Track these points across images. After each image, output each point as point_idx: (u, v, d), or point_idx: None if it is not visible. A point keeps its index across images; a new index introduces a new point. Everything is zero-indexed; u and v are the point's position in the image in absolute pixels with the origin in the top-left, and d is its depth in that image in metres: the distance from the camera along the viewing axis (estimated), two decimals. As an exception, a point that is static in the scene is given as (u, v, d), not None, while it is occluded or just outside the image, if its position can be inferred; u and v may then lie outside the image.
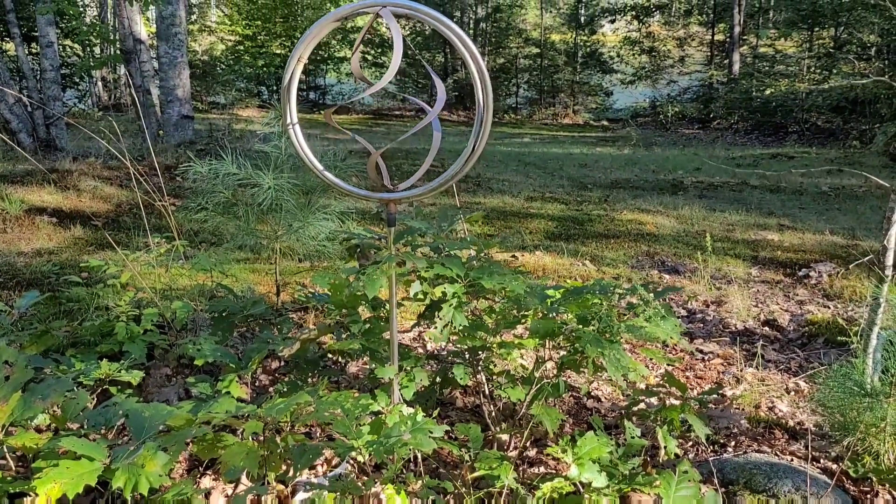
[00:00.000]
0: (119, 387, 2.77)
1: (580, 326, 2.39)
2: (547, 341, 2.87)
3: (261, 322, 3.49)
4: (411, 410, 2.35)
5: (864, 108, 16.00)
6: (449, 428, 2.33)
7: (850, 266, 3.09)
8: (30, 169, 7.75)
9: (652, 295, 2.58)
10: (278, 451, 2.31)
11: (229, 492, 2.59)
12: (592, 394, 3.53)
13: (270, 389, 3.17)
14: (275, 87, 26.35)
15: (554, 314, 2.47)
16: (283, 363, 3.38)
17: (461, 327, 2.28)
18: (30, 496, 2.08)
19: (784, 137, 17.51)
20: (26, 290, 4.22)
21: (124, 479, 1.94)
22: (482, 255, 2.55)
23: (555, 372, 2.85)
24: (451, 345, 3.83)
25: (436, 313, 2.58)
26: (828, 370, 3.51)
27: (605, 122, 25.01)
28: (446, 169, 2.23)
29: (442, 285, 2.29)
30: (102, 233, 5.86)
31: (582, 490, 2.20)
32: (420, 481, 2.17)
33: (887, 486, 2.68)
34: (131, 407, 2.24)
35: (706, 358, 4.10)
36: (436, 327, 2.87)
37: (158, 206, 3.99)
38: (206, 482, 2.60)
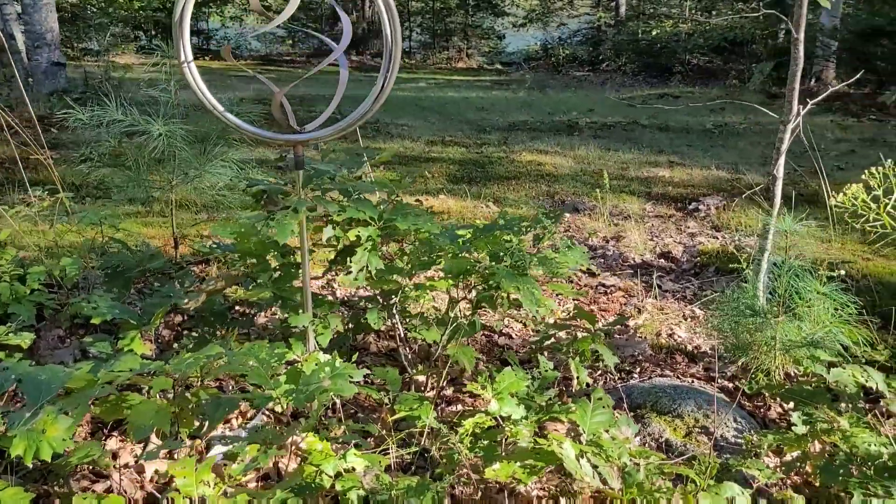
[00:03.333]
0: (7, 351, 2.58)
1: (493, 263, 2.40)
2: (460, 281, 2.88)
3: (159, 276, 3.34)
4: (328, 357, 2.31)
5: (741, 48, 16.71)
6: (368, 372, 2.30)
7: (742, 197, 3.23)
8: None
9: (553, 224, 2.62)
10: (190, 406, 2.22)
11: (138, 451, 2.49)
12: (504, 332, 3.59)
13: (175, 345, 3.05)
14: (153, 32, 24.81)
15: (466, 253, 2.47)
16: (185, 318, 3.25)
17: (376, 270, 2.25)
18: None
19: (669, 78, 18.07)
20: None
21: (23, 446, 1.82)
22: (394, 197, 2.51)
23: (467, 312, 2.87)
24: (362, 290, 3.79)
25: (348, 258, 2.53)
26: (721, 296, 3.70)
27: (499, 66, 25.04)
28: (343, 115, 2.16)
29: (355, 229, 2.24)
30: (-28, 190, 5.41)
31: (502, 423, 2.24)
32: (342, 427, 2.15)
33: (778, 399, 2.88)
34: (24, 370, 2.09)
35: (608, 291, 4.25)
36: (349, 272, 2.83)
37: (43, 159, 3.71)
38: (112, 444, 2.49)
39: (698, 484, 2.04)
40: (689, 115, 10.77)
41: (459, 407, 2.82)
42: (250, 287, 2.43)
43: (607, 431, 2.23)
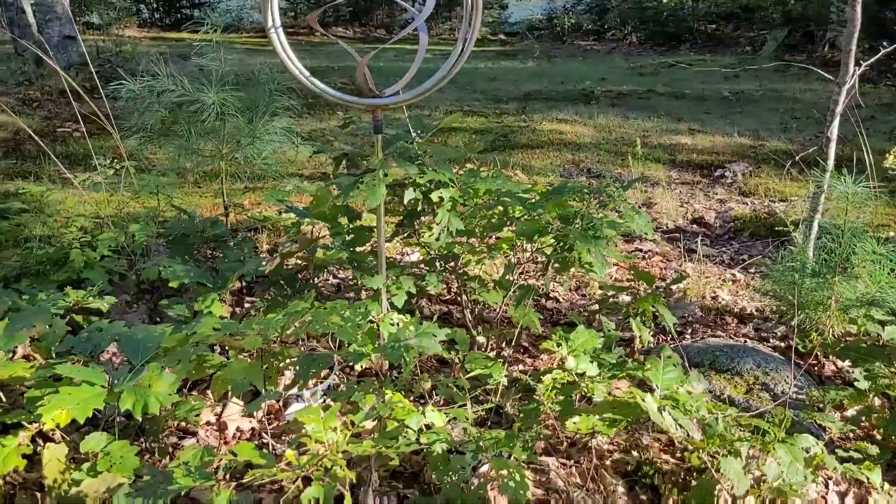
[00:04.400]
0: (84, 315, 2.64)
1: (565, 226, 2.46)
2: (518, 245, 2.94)
3: (213, 245, 3.39)
4: (403, 318, 2.37)
5: (753, 14, 16.60)
6: (448, 331, 2.36)
7: (797, 158, 3.25)
8: None
9: (622, 191, 2.67)
10: (275, 365, 2.29)
11: (218, 410, 2.57)
12: (550, 296, 3.65)
13: (237, 310, 3.11)
14: (155, 5, 24.60)
15: (537, 215, 2.52)
16: (244, 284, 3.31)
17: (456, 231, 2.30)
18: (25, 428, 2.00)
19: (677, 47, 17.96)
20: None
21: (132, 400, 1.89)
22: (468, 158, 2.56)
23: (521, 278, 2.93)
24: (408, 255, 3.85)
25: (414, 221, 2.59)
26: (767, 259, 3.75)
27: (503, 36, 24.85)
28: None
29: (437, 191, 2.28)
30: (6, 162, 5.44)
31: (577, 380, 2.30)
32: (429, 382, 2.21)
33: (831, 357, 2.96)
34: (120, 331, 2.16)
35: (646, 256, 4.30)
36: (408, 236, 2.88)
37: (108, 128, 3.71)
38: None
39: (775, 435, 2.11)
40: (704, 83, 10.76)
41: (521, 367, 2.89)
42: (326, 251, 2.48)
43: (680, 387, 2.30)
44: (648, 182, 5.80)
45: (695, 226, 4.89)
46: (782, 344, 3.09)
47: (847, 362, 2.84)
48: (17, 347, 2.41)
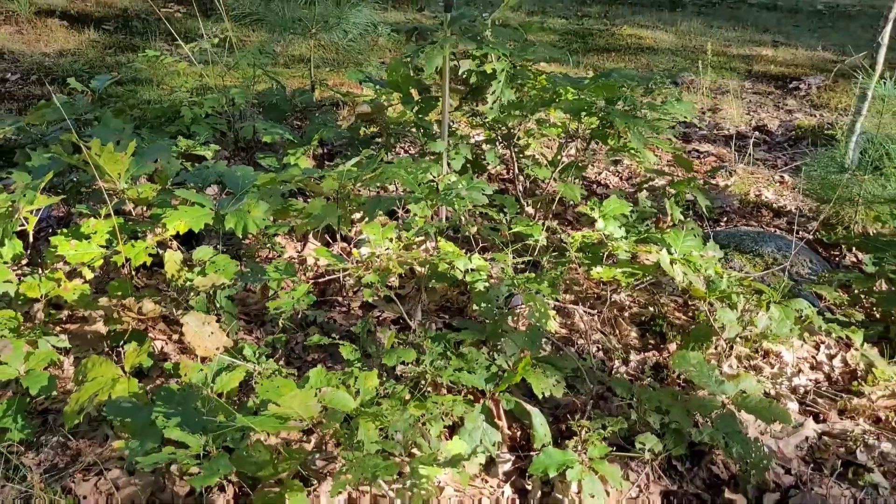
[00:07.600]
0: (191, 161, 3.11)
1: (608, 105, 2.74)
2: (567, 129, 3.23)
3: (303, 114, 3.80)
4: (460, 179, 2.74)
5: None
6: (497, 187, 2.71)
7: (838, 68, 3.38)
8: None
9: (668, 80, 2.91)
10: (349, 209, 2.71)
11: (298, 248, 3.03)
12: (602, 182, 3.95)
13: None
14: None
15: (584, 96, 2.80)
16: (326, 151, 3.73)
17: (508, 102, 2.61)
18: (147, 234, 2.48)
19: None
20: (62, 85, 4.47)
21: (234, 220, 2.34)
22: (523, 39, 2.84)
23: (572, 159, 3.23)
24: (475, 136, 4.19)
25: (478, 97, 2.91)
26: (812, 157, 3.92)
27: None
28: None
29: (490, 63, 2.59)
30: (117, 36, 5.95)
31: (605, 241, 2.64)
32: (475, 227, 2.59)
33: (853, 250, 3.19)
34: (223, 170, 2.61)
35: (702, 156, 4.51)
36: (472, 114, 3.21)
37: (166, 12, 4.11)
38: (279, 241, 3.02)
39: (770, 295, 2.42)
40: (800, -4, 10.38)
41: (562, 236, 3.24)
42: (397, 113, 2.84)
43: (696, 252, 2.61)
44: (720, 90, 5.89)
45: (757, 133, 5.01)
46: (810, 236, 3.33)
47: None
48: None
